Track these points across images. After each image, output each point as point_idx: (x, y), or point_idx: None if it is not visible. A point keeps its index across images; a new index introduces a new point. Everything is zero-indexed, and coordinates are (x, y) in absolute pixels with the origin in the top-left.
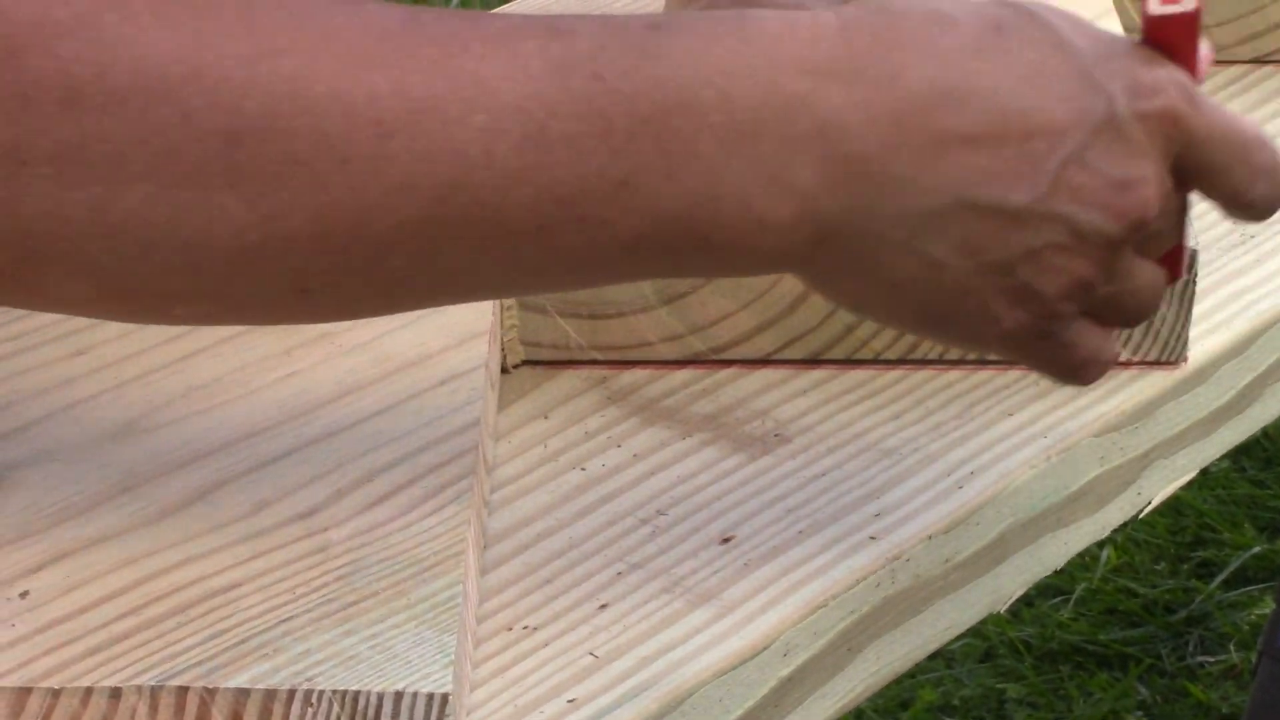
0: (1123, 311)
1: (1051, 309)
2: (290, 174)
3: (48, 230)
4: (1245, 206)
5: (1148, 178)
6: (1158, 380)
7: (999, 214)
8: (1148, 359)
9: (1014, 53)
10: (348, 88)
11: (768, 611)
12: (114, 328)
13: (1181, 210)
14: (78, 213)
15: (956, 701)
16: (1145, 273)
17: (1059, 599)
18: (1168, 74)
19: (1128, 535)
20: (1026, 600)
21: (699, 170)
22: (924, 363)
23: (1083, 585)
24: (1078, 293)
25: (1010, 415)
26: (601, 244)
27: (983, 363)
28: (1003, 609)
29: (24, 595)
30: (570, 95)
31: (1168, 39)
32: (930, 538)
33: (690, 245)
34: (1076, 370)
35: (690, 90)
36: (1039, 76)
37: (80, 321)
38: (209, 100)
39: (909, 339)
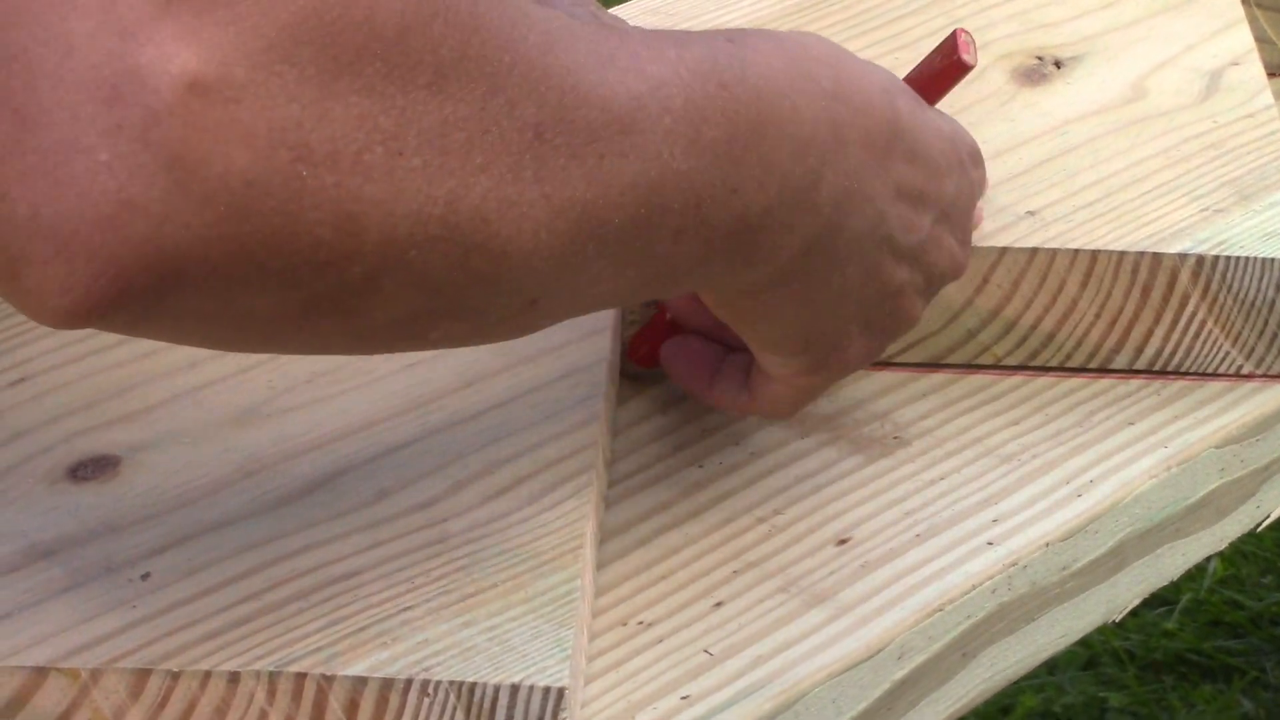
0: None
1: (884, 346)
2: (572, 169)
3: (408, 234)
4: None
5: (971, 235)
6: None
7: (896, 252)
8: (1271, 372)
9: (919, 112)
10: (598, 82)
11: (883, 614)
12: None
13: None
14: (435, 211)
15: (1058, 709)
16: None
17: (1164, 609)
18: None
19: (1235, 547)
20: (1131, 609)
21: (775, 181)
22: (1044, 369)
23: (1188, 596)
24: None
25: (1131, 424)
26: (700, 250)
27: (1104, 371)
28: (1117, 618)
29: (145, 577)
30: (711, 103)
31: (951, 83)
32: (1048, 545)
33: (745, 252)
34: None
35: (775, 104)
36: (936, 139)
37: None
38: (523, 91)
39: (1030, 346)
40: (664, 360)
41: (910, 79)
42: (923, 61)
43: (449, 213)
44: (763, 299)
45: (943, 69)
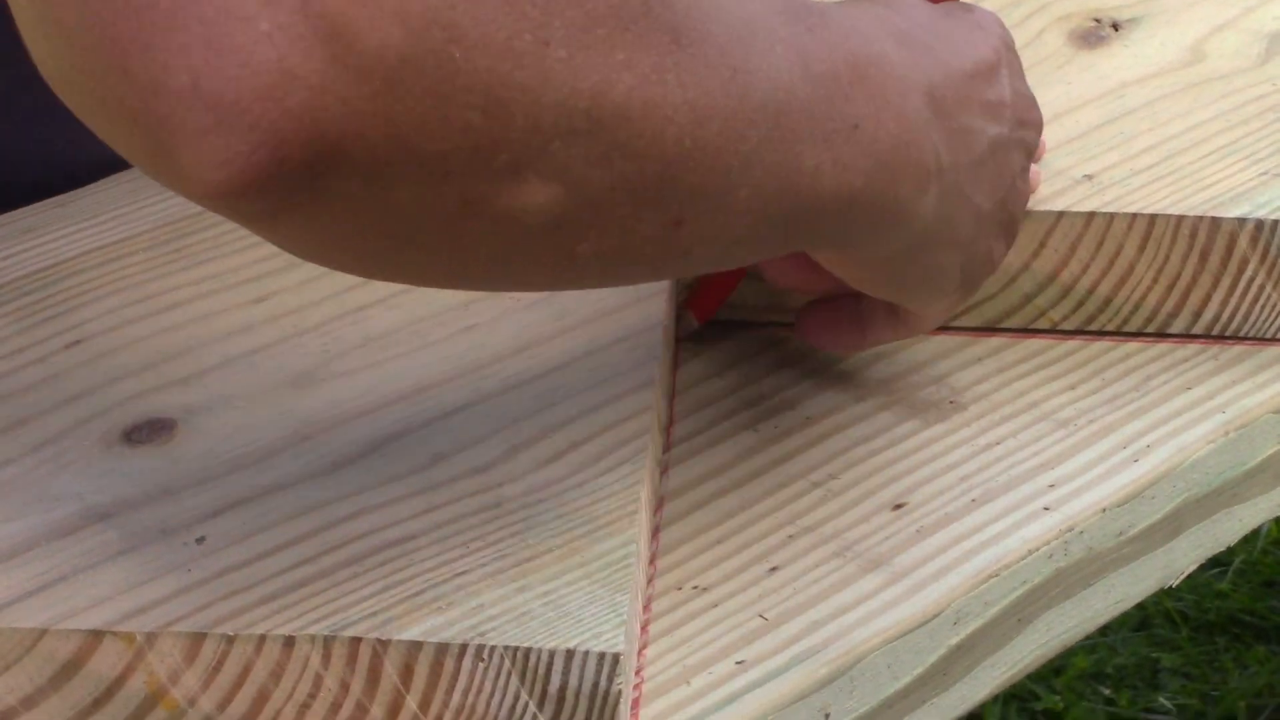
0: None
1: (1018, 228)
2: (708, 79)
3: (553, 124)
4: None
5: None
6: None
7: (1004, 145)
8: None
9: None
10: (715, 3)
11: (939, 579)
12: (294, 275)
13: None
14: (580, 104)
15: (1110, 670)
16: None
17: (1217, 570)
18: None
19: None
20: None
21: (892, 118)
22: (1101, 334)
23: (1241, 557)
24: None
25: (1188, 389)
26: (835, 192)
27: (1162, 336)
28: (1173, 584)
29: (200, 541)
30: (808, 40)
31: None
32: (1104, 510)
33: (882, 200)
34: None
35: (873, 45)
36: (961, 22)
37: (261, 268)
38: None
39: (1087, 310)
40: (805, 336)
41: None
42: None
43: (593, 107)
44: (921, 260)
45: None
